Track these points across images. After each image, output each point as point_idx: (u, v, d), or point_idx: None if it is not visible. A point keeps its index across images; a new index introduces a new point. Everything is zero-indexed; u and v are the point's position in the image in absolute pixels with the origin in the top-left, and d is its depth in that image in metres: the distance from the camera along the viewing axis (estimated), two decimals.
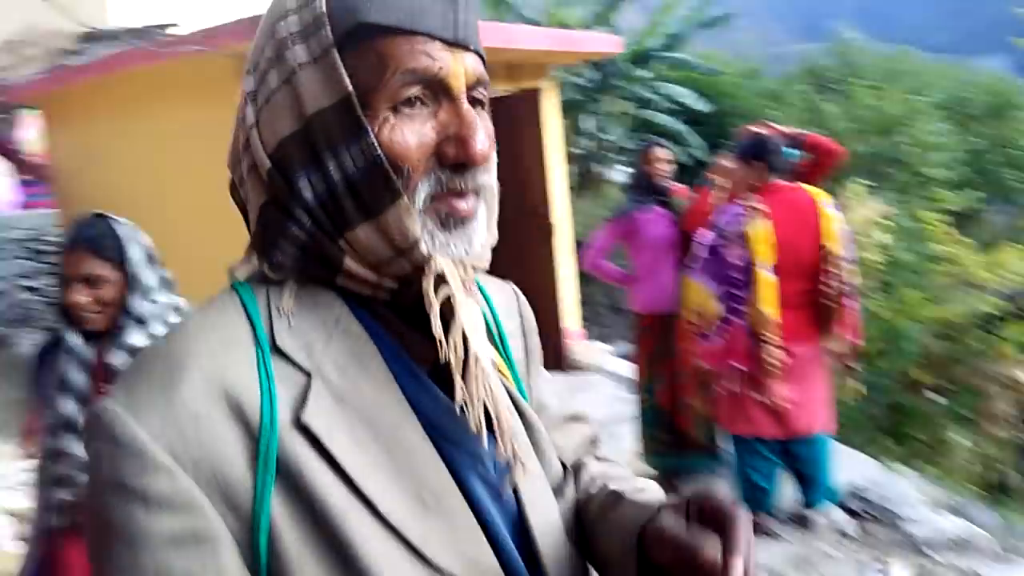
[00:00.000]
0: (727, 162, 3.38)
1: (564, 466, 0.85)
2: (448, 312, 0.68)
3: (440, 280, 0.68)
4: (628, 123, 12.37)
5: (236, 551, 0.61)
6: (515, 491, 0.74)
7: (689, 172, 11.39)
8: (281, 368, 0.65)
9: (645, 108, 12.15)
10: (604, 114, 11.58)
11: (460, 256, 0.69)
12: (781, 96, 11.17)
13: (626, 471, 0.92)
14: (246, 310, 0.68)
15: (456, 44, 0.67)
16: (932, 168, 9.35)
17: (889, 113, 9.99)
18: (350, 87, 0.65)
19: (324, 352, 0.67)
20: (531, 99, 4.86)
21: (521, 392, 0.84)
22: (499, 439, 0.72)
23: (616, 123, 11.89)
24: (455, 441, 0.71)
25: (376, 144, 0.65)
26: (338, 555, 0.62)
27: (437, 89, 0.67)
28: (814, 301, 3.07)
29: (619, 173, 11.85)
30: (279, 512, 0.61)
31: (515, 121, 4.84)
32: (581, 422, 0.97)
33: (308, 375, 0.65)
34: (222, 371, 0.63)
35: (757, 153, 3.13)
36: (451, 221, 0.69)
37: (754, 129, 3.38)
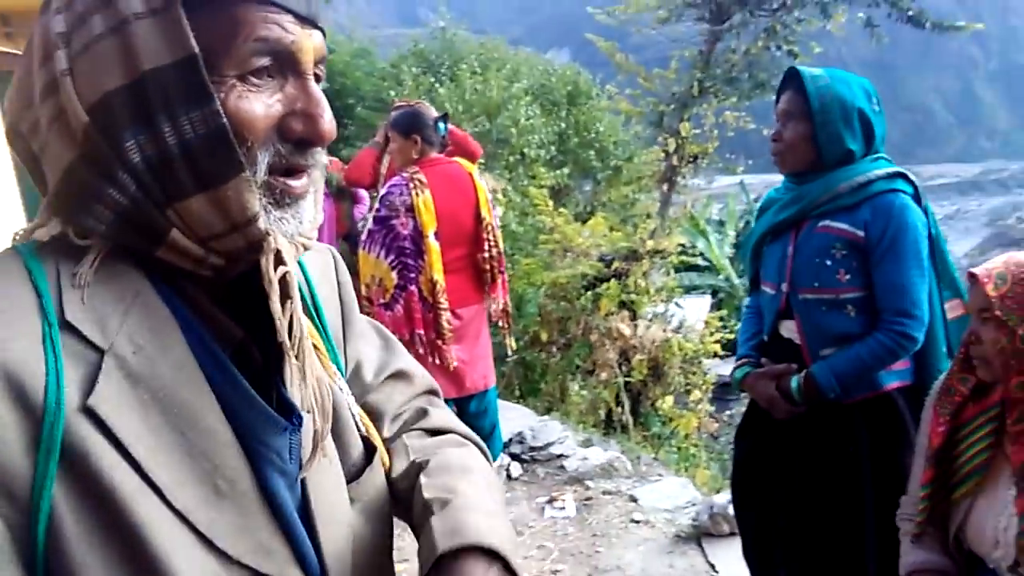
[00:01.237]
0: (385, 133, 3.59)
1: (368, 446, 0.84)
2: (282, 291, 0.67)
3: (276, 257, 0.66)
4: None
5: (10, 542, 0.58)
6: (303, 482, 0.74)
7: None
8: (71, 344, 0.61)
9: None
10: None
11: (292, 233, 0.68)
12: (396, 78, 11.43)
13: (450, 439, 0.93)
14: (32, 278, 0.62)
15: (307, 19, 0.66)
16: (531, 149, 10.38)
17: (492, 98, 10.84)
18: (196, 48, 0.61)
19: (120, 328, 0.63)
20: None
21: (336, 363, 0.84)
22: (317, 428, 0.72)
23: None
24: (254, 431, 0.69)
25: (221, 112, 0.62)
26: (124, 544, 0.60)
27: (285, 62, 0.66)
28: (474, 265, 3.30)
29: None
30: (61, 500, 0.58)
31: None
32: (406, 379, 0.97)
33: (101, 352, 0.62)
34: (1, 347, 0.58)
35: (412, 127, 3.26)
36: (285, 198, 0.67)
37: (406, 104, 3.57)
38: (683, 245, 9.44)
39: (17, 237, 0.68)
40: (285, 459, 0.72)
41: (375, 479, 0.84)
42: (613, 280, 7.65)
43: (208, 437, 0.65)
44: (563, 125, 12.30)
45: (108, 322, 0.63)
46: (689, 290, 11.76)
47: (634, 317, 7.80)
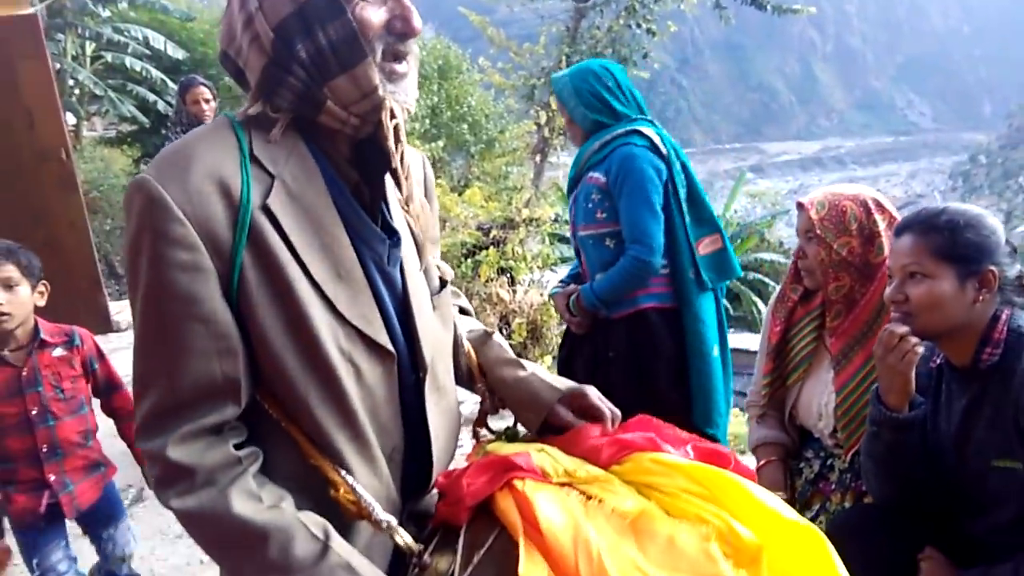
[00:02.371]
0: None
1: (443, 282, 1.22)
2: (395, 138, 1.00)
3: (391, 115, 0.98)
4: (95, 67, 11.05)
5: (218, 282, 0.94)
6: (405, 282, 1.09)
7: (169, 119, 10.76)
8: (256, 171, 0.96)
9: (113, 51, 10.98)
10: (67, 55, 10.13)
11: (401, 100, 1.00)
12: None
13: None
14: (236, 132, 0.98)
15: None
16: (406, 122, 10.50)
17: None
18: None
19: (284, 165, 0.98)
20: (30, 26, 4.10)
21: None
22: (414, 227, 1.10)
23: (81, 66, 10.51)
24: (364, 238, 1.03)
25: (352, 20, 0.95)
26: (281, 296, 0.95)
27: None
28: None
29: (103, 128, 10.59)
30: (247, 261, 0.94)
31: (12, 51, 4.05)
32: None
33: (273, 177, 0.97)
34: (219, 165, 0.94)
35: None
36: (394, 76, 0.99)
37: None
38: (557, 214, 9.86)
39: (236, 114, 1.02)
40: (384, 261, 1.06)
41: (446, 299, 1.22)
42: (492, 248, 7.92)
43: (333, 238, 0.99)
44: (435, 99, 12.47)
45: (278, 160, 0.98)
46: (564, 260, 12.30)
47: (512, 283, 8.14)
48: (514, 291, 8.06)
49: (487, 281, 7.85)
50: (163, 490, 0.95)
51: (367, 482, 1.02)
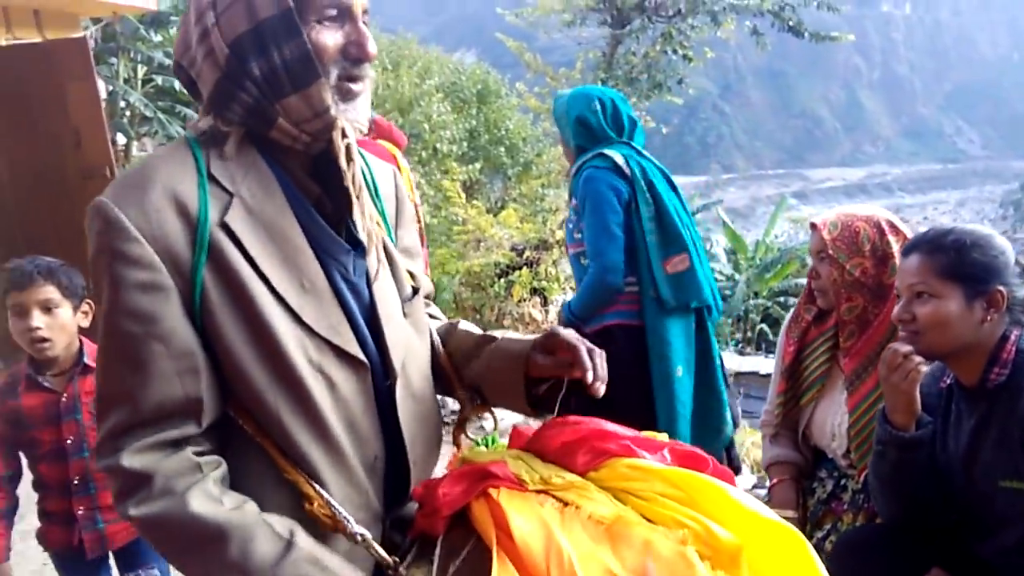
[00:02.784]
0: None
1: (415, 289, 1.21)
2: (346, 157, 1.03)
3: (343, 134, 1.01)
4: (145, 90, 11.42)
5: (180, 300, 0.95)
6: (371, 291, 1.10)
7: None
8: (213, 189, 0.98)
9: (163, 74, 11.35)
10: (119, 78, 10.50)
11: (352, 119, 1.03)
12: None
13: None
14: (192, 152, 1.01)
15: None
16: (443, 144, 10.65)
17: (404, 94, 11.05)
18: (291, 3, 0.96)
19: (242, 182, 1.00)
20: (79, 49, 4.30)
21: (388, 233, 1.20)
22: (368, 247, 1.07)
23: (132, 90, 10.88)
24: (327, 250, 1.05)
25: (307, 42, 0.97)
26: (244, 311, 0.96)
27: (345, 12, 1.01)
28: None
29: (151, 145, 10.93)
30: (208, 278, 0.95)
31: (62, 72, 4.25)
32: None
33: (231, 195, 0.99)
34: (175, 185, 0.96)
35: None
36: (348, 95, 1.02)
37: None
38: None
39: (187, 130, 1.04)
40: (350, 272, 1.07)
41: (419, 305, 1.21)
42: (525, 268, 7.99)
43: (296, 251, 1.01)
44: (474, 123, 12.61)
45: (236, 177, 1.00)
46: None
47: (545, 303, 8.18)
48: (547, 311, 8.10)
49: (520, 301, 7.91)
50: (122, 501, 0.95)
51: (343, 494, 1.03)
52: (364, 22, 1.03)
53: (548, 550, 0.89)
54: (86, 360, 2.03)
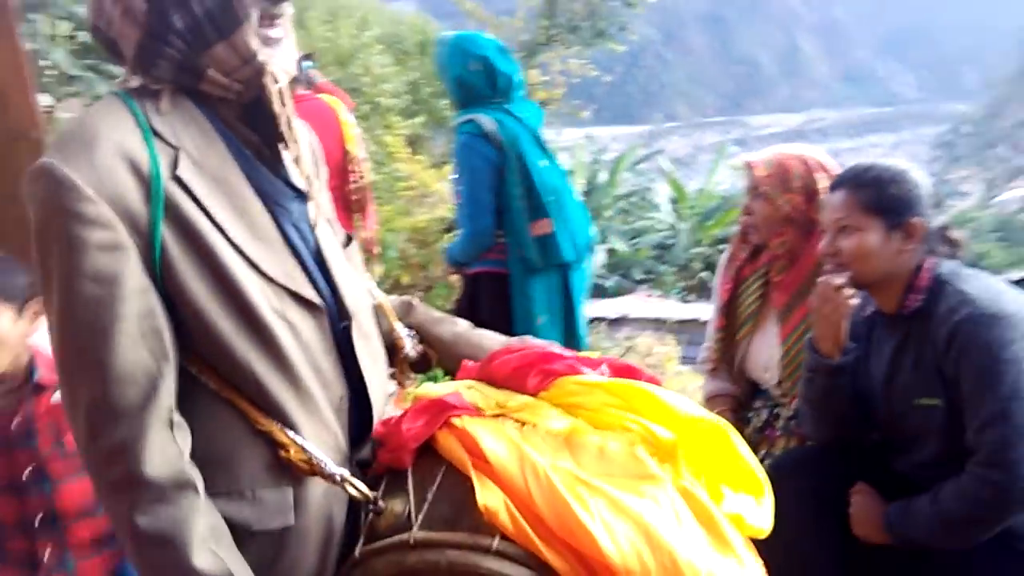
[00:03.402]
0: None
1: (349, 237, 1.27)
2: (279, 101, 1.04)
3: (273, 79, 1.02)
4: (71, 47, 10.94)
5: (140, 258, 0.93)
6: (316, 237, 1.12)
7: None
8: (158, 144, 0.97)
9: (87, 30, 10.88)
10: (41, 35, 10.02)
11: (279, 64, 1.03)
12: None
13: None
14: (129, 108, 0.98)
15: None
16: (385, 98, 10.46)
17: (342, 46, 10.80)
18: None
19: (184, 134, 1.00)
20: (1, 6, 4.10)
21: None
22: (311, 195, 1.11)
23: (56, 47, 10.42)
24: (273, 198, 1.06)
25: None
26: (206, 264, 0.96)
27: None
28: (342, 197, 3.49)
29: (78, 106, 10.51)
30: (166, 233, 0.94)
31: None
32: None
33: (176, 149, 0.98)
34: (122, 141, 0.94)
35: None
36: (270, 42, 1.01)
37: None
38: None
39: (115, 87, 1.02)
40: (297, 218, 1.09)
41: (354, 251, 1.26)
42: None
43: (245, 201, 1.02)
44: (416, 75, 12.40)
45: (177, 131, 0.99)
46: None
47: None
48: None
49: None
50: (121, 502, 0.93)
51: (315, 436, 1.04)
52: None
53: (522, 465, 0.97)
54: (38, 376, 1.64)
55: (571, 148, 17.47)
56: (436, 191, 8.71)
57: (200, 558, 0.92)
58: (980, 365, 1.54)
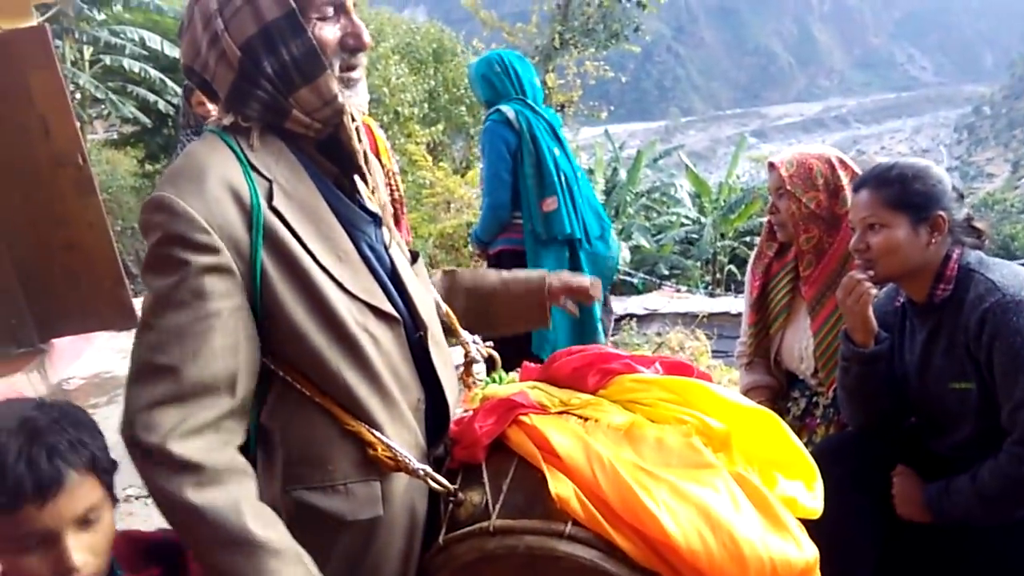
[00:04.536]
0: None
1: (415, 254, 1.40)
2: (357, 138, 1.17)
3: (351, 117, 1.15)
4: (93, 71, 11.20)
5: (240, 282, 1.05)
6: (391, 257, 1.25)
7: (171, 120, 10.97)
8: (255, 177, 1.09)
9: (111, 53, 11.14)
10: (66, 61, 10.28)
11: (356, 104, 1.16)
12: None
13: None
14: (227, 144, 1.11)
15: None
16: (404, 107, 10.63)
17: None
18: (293, 4, 1.09)
19: (275, 167, 1.12)
20: (39, 38, 4.26)
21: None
22: (384, 220, 1.25)
23: (81, 71, 10.68)
24: (353, 223, 1.19)
25: (312, 38, 1.10)
26: (300, 284, 1.08)
27: (339, 7, 1.14)
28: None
29: (104, 129, 10.78)
30: (265, 258, 1.07)
31: (24, 62, 4.22)
32: None
33: (270, 181, 1.10)
34: (226, 174, 1.07)
35: None
36: (351, 83, 1.15)
37: None
38: None
39: (209, 125, 1.15)
40: (374, 240, 1.22)
41: (422, 268, 1.38)
42: None
43: (329, 227, 1.14)
44: (432, 83, 12.57)
45: (269, 164, 1.12)
46: None
47: None
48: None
49: None
50: (169, 482, 0.97)
51: (398, 436, 1.14)
52: (356, 12, 1.17)
53: (589, 457, 1.07)
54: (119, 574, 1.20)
55: (589, 147, 17.60)
56: (460, 196, 8.85)
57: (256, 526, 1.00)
58: (1011, 349, 1.61)
